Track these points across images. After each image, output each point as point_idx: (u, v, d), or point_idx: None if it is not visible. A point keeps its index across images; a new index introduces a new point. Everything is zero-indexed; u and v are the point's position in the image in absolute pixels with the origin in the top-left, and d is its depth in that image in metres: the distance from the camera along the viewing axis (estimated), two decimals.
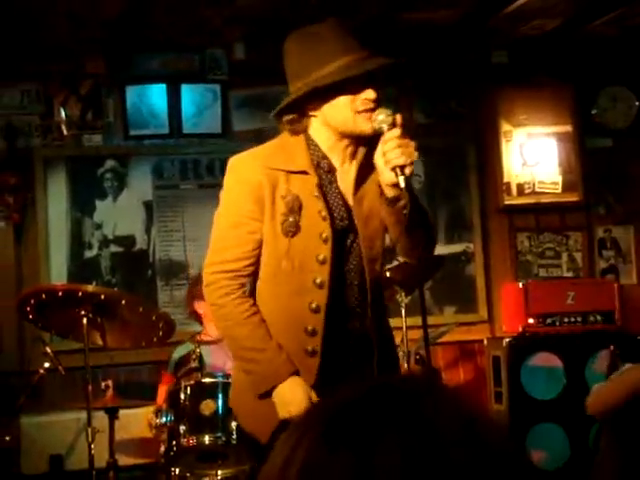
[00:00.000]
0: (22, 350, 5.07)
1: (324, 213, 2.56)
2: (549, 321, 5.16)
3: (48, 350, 4.14)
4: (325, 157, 2.60)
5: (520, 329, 5.14)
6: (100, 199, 5.32)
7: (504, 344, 5.06)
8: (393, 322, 3.01)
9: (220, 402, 3.58)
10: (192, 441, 3.53)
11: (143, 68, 5.41)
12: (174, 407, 3.62)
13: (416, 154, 2.41)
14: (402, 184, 2.38)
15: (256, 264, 2.63)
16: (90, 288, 3.86)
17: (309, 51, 2.53)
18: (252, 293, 2.68)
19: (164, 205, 5.40)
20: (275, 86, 5.47)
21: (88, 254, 5.29)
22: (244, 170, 2.61)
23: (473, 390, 5.44)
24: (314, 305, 2.56)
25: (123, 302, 3.80)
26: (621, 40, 5.54)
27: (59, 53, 5.23)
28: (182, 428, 3.54)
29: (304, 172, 2.58)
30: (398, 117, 2.45)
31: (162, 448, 3.63)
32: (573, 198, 5.78)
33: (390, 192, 2.45)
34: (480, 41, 5.54)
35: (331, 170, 2.61)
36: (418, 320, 3.25)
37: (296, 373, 2.57)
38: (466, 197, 5.70)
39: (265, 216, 2.57)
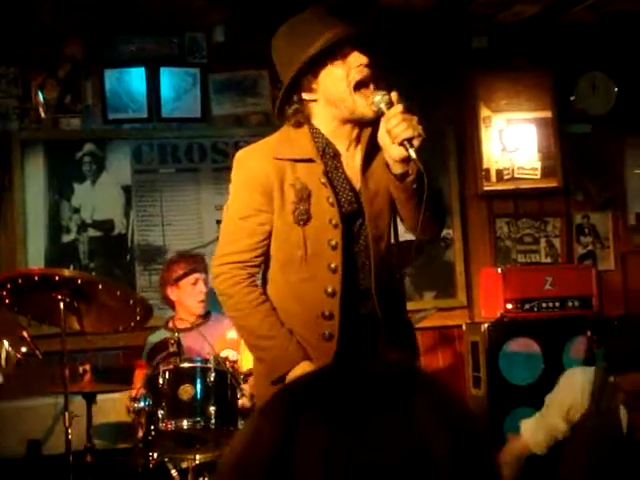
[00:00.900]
0: None
1: (332, 199, 2.60)
2: (527, 306, 5.18)
3: (25, 334, 4.11)
4: (329, 143, 2.63)
5: (498, 314, 5.16)
6: (78, 183, 5.29)
7: (482, 329, 5.08)
8: None
9: (199, 387, 3.58)
10: (170, 426, 3.52)
11: (122, 51, 5.37)
12: (153, 392, 3.61)
13: (421, 127, 2.44)
14: (413, 155, 2.41)
15: (264, 255, 2.67)
16: (67, 272, 3.83)
17: (295, 39, 2.57)
18: (263, 283, 2.72)
19: (143, 189, 5.37)
20: (255, 70, 5.46)
21: (66, 238, 5.26)
22: (250, 163, 2.65)
23: (452, 375, 5.46)
24: (330, 289, 2.60)
25: (100, 286, 3.78)
26: (600, 26, 5.55)
27: (38, 36, 5.18)
28: (160, 413, 3.53)
29: (310, 160, 2.61)
30: (394, 94, 2.49)
31: (140, 432, 3.63)
32: (552, 184, 5.80)
33: (398, 168, 2.48)
34: (460, 26, 5.54)
35: (336, 155, 2.65)
36: None
37: (307, 359, 2.59)
38: (445, 183, 5.71)
39: (275, 207, 2.61)
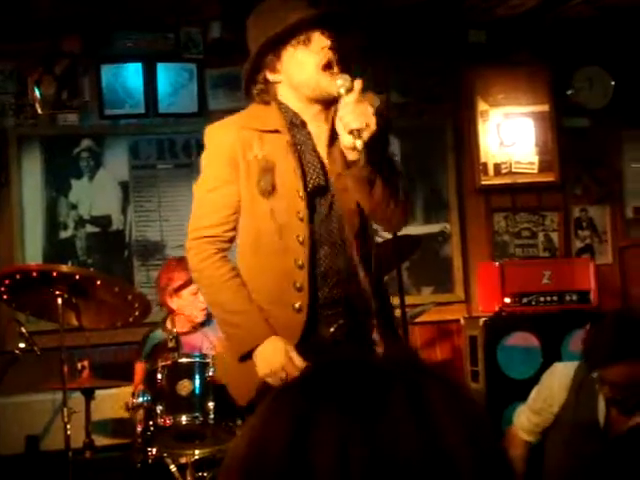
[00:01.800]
0: None
1: (298, 171, 2.58)
2: (525, 301, 5.18)
3: (23, 330, 4.11)
4: (296, 114, 2.62)
5: (496, 309, 5.16)
6: (76, 179, 5.28)
7: (481, 324, 5.08)
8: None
9: (197, 382, 3.57)
10: (169, 421, 3.51)
11: (119, 47, 5.37)
12: (151, 387, 3.60)
13: (373, 119, 2.39)
14: (359, 147, 2.36)
15: (235, 229, 2.66)
16: (65, 268, 3.83)
17: (261, 20, 2.58)
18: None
19: (140, 185, 5.37)
20: None
21: (63, 234, 5.25)
22: (217, 135, 2.66)
23: (450, 369, 5.46)
24: (300, 262, 2.58)
25: (98, 282, 3.78)
26: (597, 20, 5.55)
27: (34, 31, 5.17)
28: (159, 408, 3.52)
29: (277, 131, 2.61)
30: (357, 82, 2.44)
31: (139, 428, 3.62)
32: (549, 178, 5.80)
33: (350, 156, 2.45)
34: (457, 20, 5.53)
35: (304, 126, 2.63)
36: (396, 300, 3.25)
37: (275, 334, 2.58)
38: (443, 177, 5.71)
39: (240, 178, 2.60)
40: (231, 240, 2.68)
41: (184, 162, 5.40)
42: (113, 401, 4.34)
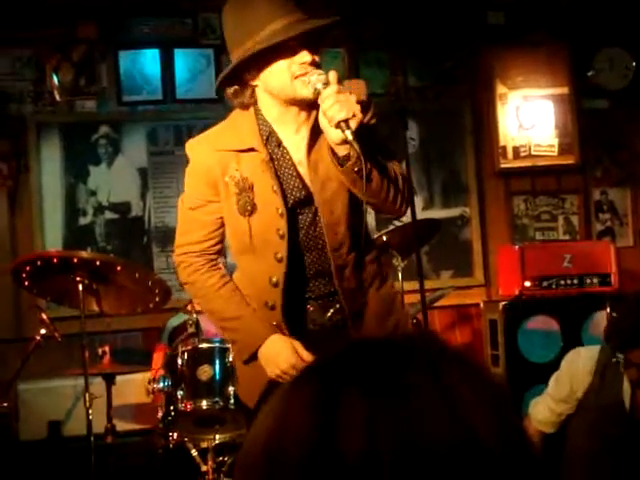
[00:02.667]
0: (18, 317, 5.08)
1: (276, 188, 2.53)
2: (545, 284, 5.15)
3: (44, 317, 4.13)
4: (274, 131, 2.55)
5: (517, 292, 5.14)
6: (94, 165, 5.29)
7: (500, 307, 5.06)
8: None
9: (217, 367, 3.58)
10: (190, 406, 3.53)
11: (136, 33, 5.37)
12: (171, 372, 3.62)
13: (358, 107, 2.33)
14: (350, 137, 2.30)
15: (222, 242, 2.68)
16: (85, 254, 3.84)
17: (242, 19, 2.45)
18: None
19: (159, 171, 5.37)
20: None
21: (82, 221, 5.27)
22: (196, 154, 2.63)
23: (470, 353, 5.45)
24: (274, 279, 2.57)
25: (119, 268, 3.78)
26: (617, 0, 5.49)
27: (51, 18, 5.17)
28: (179, 393, 3.54)
29: (252, 149, 2.54)
30: (332, 74, 2.38)
31: (160, 413, 3.64)
32: (569, 161, 5.76)
33: (340, 151, 2.39)
34: (475, 2, 5.50)
35: (280, 143, 2.56)
36: (415, 284, 3.26)
37: (275, 333, 2.58)
38: (462, 161, 5.68)
39: (221, 197, 2.58)
40: (219, 252, 2.69)
41: None
42: (134, 386, 4.36)
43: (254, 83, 2.51)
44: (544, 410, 3.24)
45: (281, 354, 2.53)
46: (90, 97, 5.32)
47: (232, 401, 3.49)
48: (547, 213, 5.79)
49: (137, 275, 3.85)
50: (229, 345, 3.59)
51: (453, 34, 5.62)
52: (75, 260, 3.70)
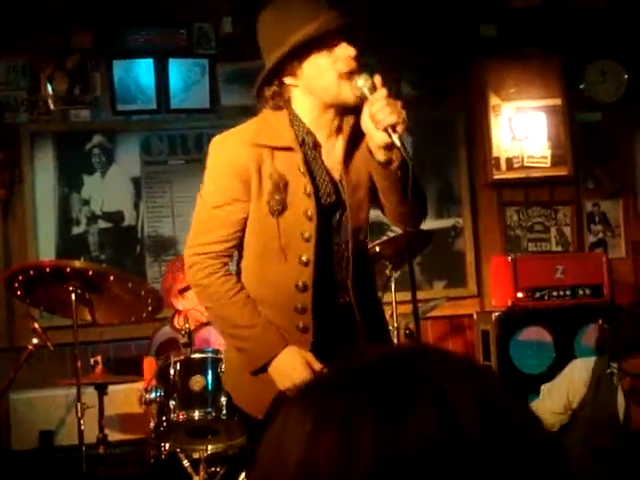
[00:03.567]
0: (11, 326, 5.07)
1: (309, 190, 2.51)
2: (538, 295, 5.17)
3: (37, 326, 4.13)
4: (310, 133, 2.55)
5: (509, 303, 5.15)
6: (88, 175, 5.29)
7: (493, 318, 5.07)
8: (383, 297, 3.01)
9: (210, 377, 3.58)
10: (182, 416, 3.53)
11: (130, 43, 5.37)
12: (164, 382, 3.61)
13: (404, 112, 2.35)
14: (397, 142, 2.33)
15: (238, 246, 2.60)
16: (78, 264, 3.84)
17: (281, 21, 2.47)
18: (237, 272, 2.66)
19: (152, 181, 5.37)
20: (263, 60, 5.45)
21: (76, 230, 5.27)
22: (228, 150, 2.56)
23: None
24: (300, 283, 2.53)
25: (111, 278, 3.79)
26: (610, 13, 5.52)
27: (46, 27, 5.18)
28: (172, 403, 3.53)
29: (289, 148, 2.53)
30: (377, 78, 2.40)
31: (152, 423, 3.63)
32: (562, 172, 5.78)
33: (382, 155, 2.40)
34: (468, 14, 5.52)
35: (316, 146, 2.56)
36: (407, 295, 3.25)
37: (288, 345, 2.54)
38: (455, 172, 5.69)
39: (252, 196, 2.52)
40: (231, 255, 2.62)
41: (196, 158, 5.39)
42: (126, 396, 4.35)
43: (295, 83, 2.51)
44: (548, 406, 3.25)
45: (296, 369, 2.48)
46: (84, 106, 5.33)
47: (224, 411, 3.49)
48: (540, 224, 5.80)
49: (130, 285, 3.85)
50: (222, 355, 3.60)
51: (447, 46, 5.64)
52: (68, 270, 3.70)
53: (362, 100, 2.42)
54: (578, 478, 3.11)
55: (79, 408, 3.65)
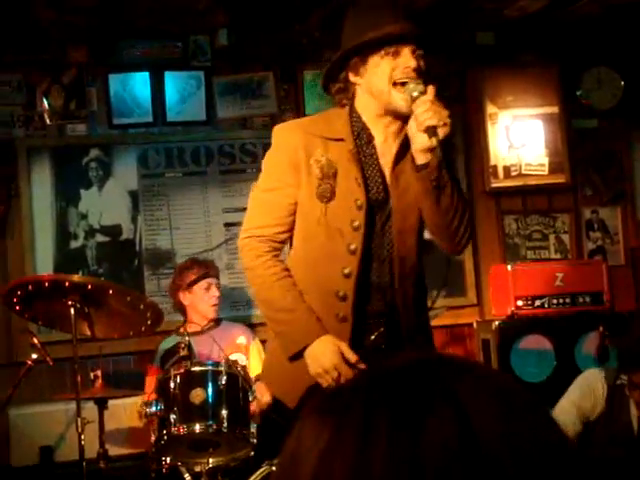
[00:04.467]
0: (10, 342, 5.04)
1: (360, 180, 2.58)
2: (538, 303, 5.16)
3: (36, 341, 4.11)
4: (366, 128, 2.63)
5: (509, 312, 5.14)
6: (85, 189, 5.28)
7: (493, 327, 5.06)
8: None
9: (210, 390, 3.57)
10: (183, 430, 3.51)
11: (126, 56, 5.37)
12: (164, 396, 3.59)
13: (449, 120, 2.40)
14: (435, 143, 2.36)
15: (289, 232, 2.68)
16: (77, 278, 3.83)
17: (359, 19, 2.59)
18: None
19: (150, 194, 5.36)
20: (259, 72, 5.45)
21: (74, 244, 5.25)
22: (282, 136, 2.67)
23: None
24: (347, 271, 2.58)
25: (110, 292, 3.77)
26: (605, 20, 5.52)
27: (41, 42, 5.17)
28: (172, 417, 3.52)
29: (341, 139, 2.61)
30: (430, 87, 2.46)
31: (152, 437, 3.61)
32: (560, 180, 5.77)
33: (421, 159, 2.45)
34: (465, 22, 5.52)
35: (370, 141, 2.63)
36: None
37: (327, 333, 2.57)
38: None
39: (301, 181, 2.61)
40: (284, 242, 2.70)
41: (193, 170, 5.39)
42: (126, 410, 4.34)
43: (358, 81, 2.60)
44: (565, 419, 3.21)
45: (326, 353, 2.52)
46: (80, 121, 5.32)
47: (225, 424, 3.47)
48: (538, 232, 5.80)
49: (129, 299, 3.84)
50: (222, 368, 3.59)
51: (442, 54, 5.63)
52: (67, 284, 3.68)
53: (412, 105, 2.48)
54: None
55: (79, 423, 3.62)
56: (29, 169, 5.20)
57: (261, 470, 3.04)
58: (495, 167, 5.71)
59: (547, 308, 5.16)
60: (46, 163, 5.24)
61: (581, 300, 5.19)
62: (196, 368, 3.65)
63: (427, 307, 2.84)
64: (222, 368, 3.59)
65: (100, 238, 5.29)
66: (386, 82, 2.53)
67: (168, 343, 4.49)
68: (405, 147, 2.59)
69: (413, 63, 2.53)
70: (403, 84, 2.51)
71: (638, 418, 2.98)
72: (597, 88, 5.83)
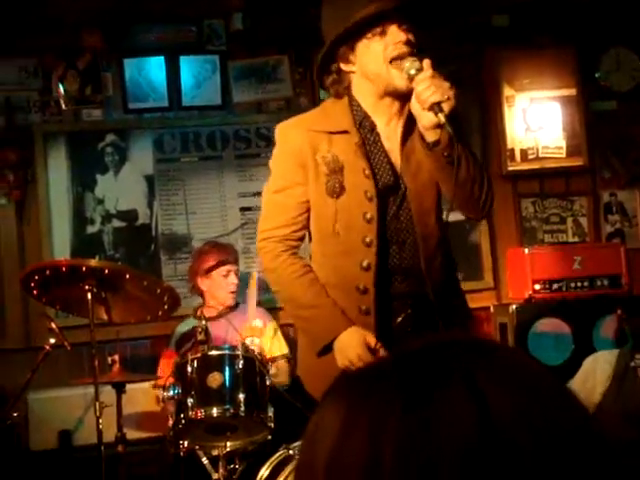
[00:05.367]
0: (27, 326, 5.07)
1: (367, 171, 2.56)
2: (555, 287, 5.13)
3: (53, 326, 4.13)
4: (367, 116, 2.60)
5: (526, 295, 5.12)
6: (101, 174, 5.29)
7: (511, 311, 5.04)
8: None
9: (227, 374, 3.57)
10: (200, 414, 3.52)
11: (141, 41, 5.36)
12: (181, 380, 3.60)
13: (452, 92, 2.36)
14: (442, 119, 2.33)
15: (305, 229, 2.67)
16: (94, 263, 3.83)
17: (339, 8, 2.54)
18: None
19: (165, 178, 5.36)
20: (274, 56, 5.43)
21: (90, 229, 5.27)
22: (286, 136, 2.66)
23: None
24: (365, 264, 2.57)
25: (127, 276, 3.77)
26: (623, 0, 5.47)
27: (56, 27, 5.17)
28: (190, 401, 3.52)
29: (345, 132, 2.59)
30: (426, 61, 2.41)
31: (170, 421, 3.62)
32: (578, 162, 5.73)
33: (431, 136, 2.41)
34: (480, 4, 5.48)
35: (374, 128, 2.60)
36: None
37: (353, 325, 2.56)
38: None
39: (309, 179, 2.59)
40: (301, 239, 2.68)
41: (209, 155, 5.39)
42: (144, 395, 4.35)
43: (351, 69, 2.57)
44: None
45: (351, 345, 2.51)
46: (96, 105, 5.32)
47: (243, 408, 3.48)
48: (556, 215, 5.76)
49: (145, 283, 3.84)
50: (239, 352, 3.59)
51: (459, 37, 5.60)
52: (84, 269, 3.69)
53: (410, 81, 2.44)
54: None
55: (97, 407, 3.64)
56: (45, 154, 5.21)
57: (278, 454, 3.05)
58: (512, 150, 5.67)
59: (565, 291, 5.13)
60: (62, 148, 5.24)
61: (599, 283, 5.17)
62: (213, 352, 3.66)
63: (461, 289, 2.81)
64: (239, 352, 3.59)
65: (116, 223, 5.30)
66: (381, 63, 2.50)
67: (185, 326, 4.50)
68: (410, 126, 2.56)
69: (403, 37, 2.49)
70: (399, 60, 2.47)
71: None
72: (615, 70, 5.78)
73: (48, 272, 3.76)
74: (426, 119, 2.38)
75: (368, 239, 2.56)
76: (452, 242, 5.27)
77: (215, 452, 3.70)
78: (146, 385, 4.19)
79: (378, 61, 2.51)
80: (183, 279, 5.06)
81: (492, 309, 5.41)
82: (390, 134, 2.61)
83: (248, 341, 4.06)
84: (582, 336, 4.92)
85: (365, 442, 0.73)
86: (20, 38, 5.17)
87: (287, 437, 3.06)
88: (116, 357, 4.10)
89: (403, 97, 2.55)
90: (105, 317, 3.97)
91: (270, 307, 4.84)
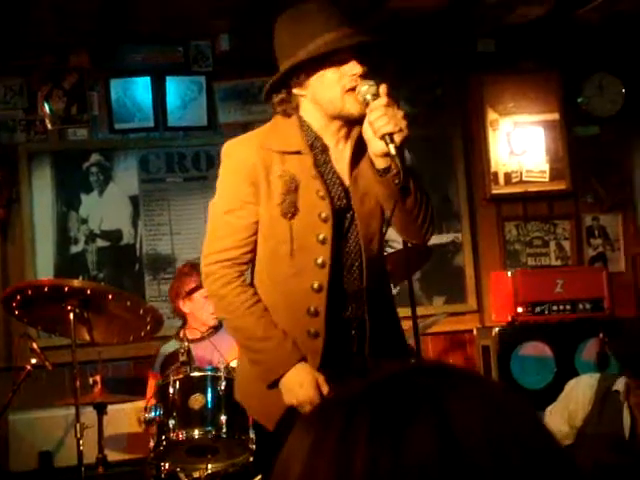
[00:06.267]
0: (9, 346, 5.04)
1: (322, 193, 2.52)
2: (538, 310, 5.15)
3: (35, 346, 4.10)
4: (319, 137, 2.56)
5: (509, 318, 5.14)
6: (86, 193, 5.28)
7: (493, 333, 5.05)
8: None
9: (209, 396, 3.56)
10: (182, 435, 3.50)
11: (127, 61, 5.37)
12: (163, 401, 3.59)
13: (405, 123, 2.35)
14: (392, 151, 2.33)
15: (254, 251, 2.59)
16: (76, 283, 3.83)
17: (295, 31, 2.50)
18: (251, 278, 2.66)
19: (150, 199, 5.36)
20: (261, 77, 5.45)
21: (74, 249, 5.25)
22: (237, 154, 2.58)
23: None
24: (316, 285, 2.52)
25: (110, 297, 3.77)
26: (606, 27, 5.53)
27: (42, 47, 5.18)
28: (171, 422, 3.51)
29: (298, 152, 2.54)
30: (382, 87, 2.40)
31: (151, 443, 3.61)
32: (561, 186, 5.77)
33: (381, 163, 2.41)
34: (466, 29, 5.52)
35: (325, 150, 2.57)
36: (407, 311, 3.24)
37: (303, 360, 2.52)
38: (453, 187, 5.69)
39: (261, 198, 2.53)
40: (248, 262, 2.60)
41: (194, 175, 5.39)
42: (126, 416, 4.33)
43: (302, 93, 2.53)
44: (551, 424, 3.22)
45: (303, 386, 2.47)
46: (82, 125, 5.32)
47: (224, 430, 3.47)
48: (539, 239, 5.79)
49: (128, 303, 3.83)
50: (221, 374, 3.58)
51: (444, 61, 5.64)
52: (66, 289, 3.68)
53: (364, 108, 2.43)
54: None
55: (78, 428, 3.62)
56: (30, 173, 5.20)
57: (258, 479, 3.04)
58: (496, 174, 5.71)
59: (547, 315, 5.15)
60: (47, 167, 5.24)
61: (581, 307, 5.19)
62: (195, 373, 3.65)
63: (396, 311, 2.78)
64: (221, 374, 3.58)
65: (100, 243, 5.29)
66: (337, 91, 2.47)
67: (169, 348, 4.48)
68: (359, 149, 2.55)
69: (358, 69, 2.46)
70: (354, 89, 2.46)
71: (630, 424, 2.98)
72: (598, 95, 5.83)
73: (30, 292, 3.75)
74: (377, 147, 2.38)
75: (320, 260, 2.51)
76: (436, 265, 5.35)
77: (196, 474, 3.68)
78: (128, 406, 4.18)
79: (333, 90, 2.48)
80: (167, 300, 5.04)
81: (475, 332, 5.42)
82: (338, 156, 2.59)
83: (234, 364, 4.04)
84: (564, 359, 4.93)
85: (333, 468, 0.74)
86: (6, 57, 5.18)
87: (269, 460, 3.05)
88: (98, 378, 4.07)
89: (352, 122, 2.54)
90: (87, 337, 3.96)
91: None
